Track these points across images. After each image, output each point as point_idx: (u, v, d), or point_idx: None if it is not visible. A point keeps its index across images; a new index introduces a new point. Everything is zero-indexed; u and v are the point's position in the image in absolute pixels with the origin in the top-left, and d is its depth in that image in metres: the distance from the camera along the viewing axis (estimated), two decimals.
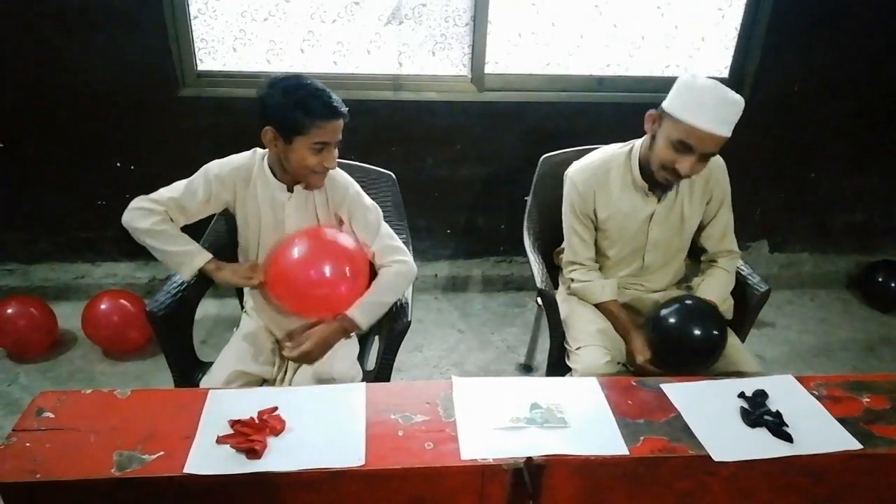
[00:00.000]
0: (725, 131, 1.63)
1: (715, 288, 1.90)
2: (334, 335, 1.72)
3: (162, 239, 1.70)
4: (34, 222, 2.90)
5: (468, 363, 2.69)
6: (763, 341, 2.90)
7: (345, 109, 1.61)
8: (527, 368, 2.67)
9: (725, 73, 3.00)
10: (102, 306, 2.56)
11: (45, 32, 2.52)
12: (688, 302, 1.76)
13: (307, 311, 1.74)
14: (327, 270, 1.68)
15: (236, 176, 1.74)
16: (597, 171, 1.87)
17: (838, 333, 3.02)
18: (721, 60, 2.98)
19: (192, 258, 1.71)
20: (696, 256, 2.14)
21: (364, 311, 1.73)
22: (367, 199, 1.81)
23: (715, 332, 1.69)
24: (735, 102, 1.62)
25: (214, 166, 1.74)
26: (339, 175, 1.79)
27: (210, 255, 1.73)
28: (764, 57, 2.90)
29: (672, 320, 1.70)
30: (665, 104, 1.70)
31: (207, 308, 2.82)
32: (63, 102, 2.65)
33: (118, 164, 2.79)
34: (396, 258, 1.79)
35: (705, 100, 1.61)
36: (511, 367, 2.69)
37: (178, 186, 1.74)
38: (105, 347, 2.62)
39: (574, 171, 1.91)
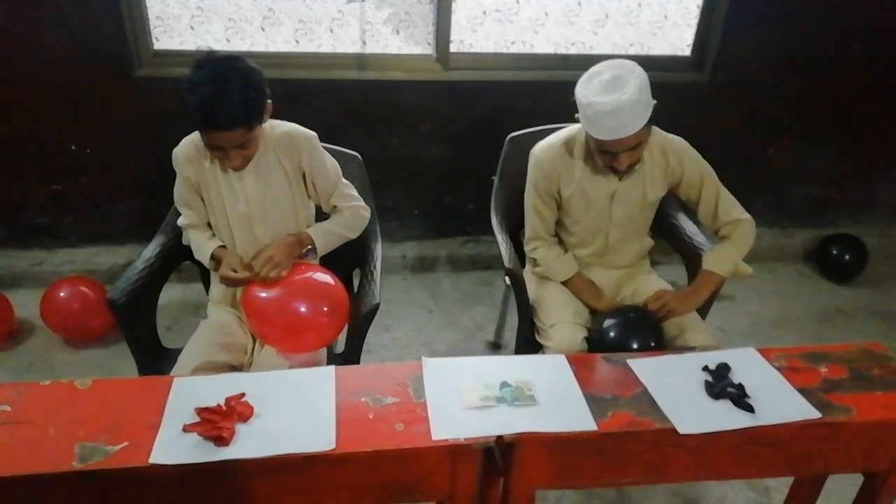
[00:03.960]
0: (629, 131, 1.65)
1: (710, 257, 1.89)
2: (288, 246, 1.72)
3: (187, 236, 1.84)
4: None
5: (438, 342, 2.70)
6: (724, 314, 2.96)
7: (229, 124, 1.52)
8: (496, 346, 2.68)
9: (688, 52, 3.03)
10: (61, 294, 2.49)
11: None
12: (630, 315, 1.79)
13: (279, 341, 1.70)
14: (304, 308, 1.65)
15: (194, 147, 1.73)
16: (561, 149, 1.88)
17: (796, 305, 3.10)
18: (684, 38, 3.01)
19: (206, 247, 1.78)
20: (667, 237, 2.17)
21: (321, 231, 1.78)
22: (326, 152, 1.82)
23: (652, 344, 1.73)
24: (618, 108, 1.60)
25: (177, 147, 1.76)
26: (296, 131, 1.76)
27: (218, 242, 1.79)
28: (725, 35, 2.93)
29: (612, 334, 1.74)
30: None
31: (172, 294, 2.77)
32: (14, 84, 2.55)
33: (74, 148, 2.70)
34: (356, 203, 1.86)
35: (590, 114, 1.65)
36: (480, 345, 2.71)
37: None
38: (65, 336, 2.56)
39: (539, 149, 1.92)
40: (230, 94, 1.49)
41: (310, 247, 1.75)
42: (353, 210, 1.84)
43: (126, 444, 1.27)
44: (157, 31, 2.60)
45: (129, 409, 1.35)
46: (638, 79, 1.64)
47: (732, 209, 1.89)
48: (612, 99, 1.60)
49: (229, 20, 2.62)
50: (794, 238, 3.49)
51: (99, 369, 2.44)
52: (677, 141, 1.90)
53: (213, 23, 2.61)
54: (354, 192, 1.87)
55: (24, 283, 2.81)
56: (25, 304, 2.64)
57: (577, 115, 1.75)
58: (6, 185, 2.75)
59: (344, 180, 1.85)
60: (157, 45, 2.63)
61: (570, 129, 1.92)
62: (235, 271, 1.68)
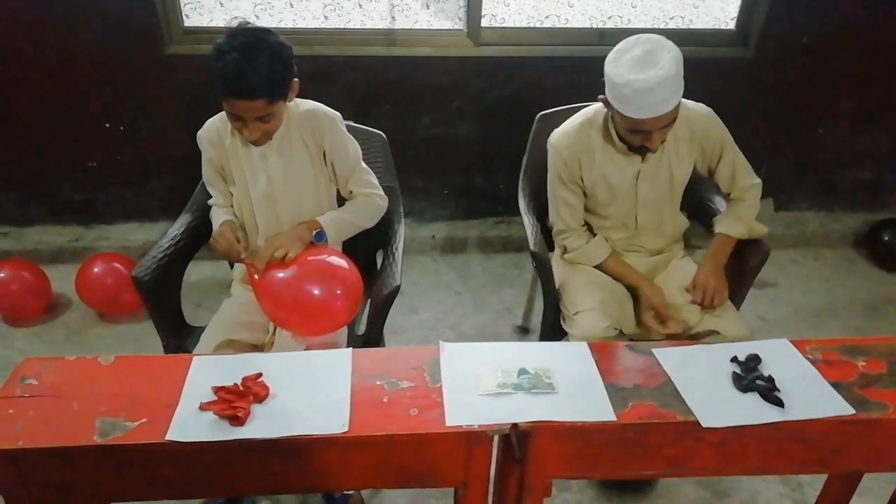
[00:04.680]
0: (664, 109, 1.58)
1: (724, 220, 1.88)
2: (298, 232, 1.68)
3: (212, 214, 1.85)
4: (27, 185, 2.87)
5: (465, 325, 2.68)
6: (765, 302, 2.86)
7: (251, 94, 1.51)
8: (524, 330, 2.65)
9: (732, 25, 2.89)
10: (95, 269, 2.55)
11: None
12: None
13: (294, 324, 1.68)
14: (317, 291, 1.62)
15: (218, 128, 1.73)
16: (579, 134, 1.82)
17: (842, 293, 2.97)
18: (727, 11, 2.87)
19: (217, 223, 1.78)
20: (702, 220, 2.09)
21: (331, 219, 1.74)
22: (348, 134, 1.79)
23: None
24: (656, 84, 1.54)
25: (201, 129, 1.76)
26: (320, 110, 1.75)
27: (229, 217, 1.79)
28: (772, 7, 2.78)
29: None
30: (605, 92, 1.66)
31: (203, 271, 2.80)
32: (49, 63, 2.59)
33: (107, 126, 2.74)
34: (374, 191, 1.82)
35: (625, 93, 1.57)
36: (508, 328, 2.67)
37: None
38: (100, 310, 2.62)
39: (556, 137, 1.86)
40: (256, 63, 1.49)
41: (319, 230, 1.71)
42: (368, 198, 1.80)
43: (144, 420, 1.28)
44: (187, 7, 2.61)
45: (149, 386, 1.37)
46: (671, 53, 1.57)
47: (747, 174, 1.88)
48: (649, 76, 1.54)
49: None
50: (843, 223, 3.34)
51: (132, 343, 2.50)
52: (701, 109, 1.83)
53: None
54: (373, 180, 1.84)
55: (62, 258, 2.89)
56: (63, 278, 2.70)
57: (600, 97, 1.69)
58: (45, 162, 2.81)
59: (364, 166, 1.82)
60: (188, 23, 2.63)
61: (585, 113, 1.86)
62: (240, 242, 1.68)
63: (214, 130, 1.74)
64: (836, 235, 3.31)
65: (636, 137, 1.69)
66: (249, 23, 1.58)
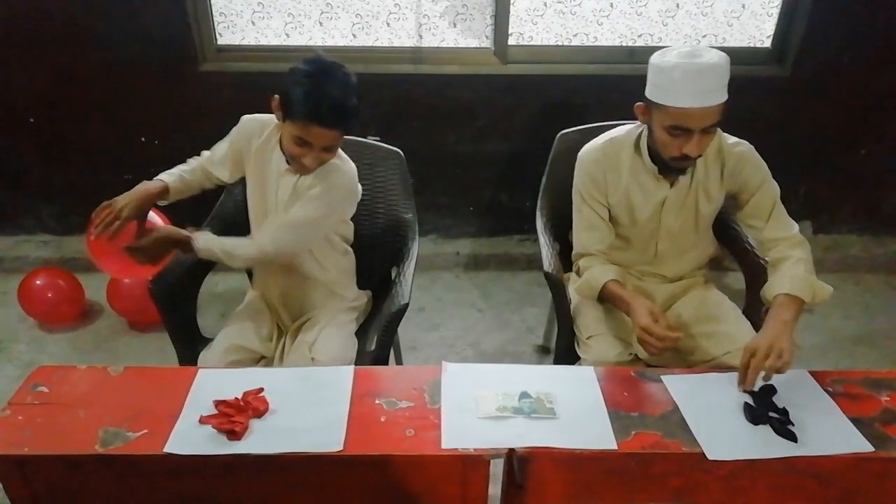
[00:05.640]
0: (714, 100, 1.52)
1: (777, 282, 1.59)
2: (172, 235, 1.69)
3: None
4: (66, 195, 2.98)
5: (485, 343, 2.65)
6: (799, 328, 2.71)
7: (333, 123, 1.52)
8: (544, 350, 2.60)
9: (767, 44, 2.82)
10: (126, 279, 2.61)
11: (71, 10, 2.55)
12: None
13: None
14: None
15: (256, 126, 1.76)
16: (606, 150, 1.78)
17: (883, 321, 2.83)
18: (763, 29, 2.80)
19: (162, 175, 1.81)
20: (728, 245, 2.01)
21: (210, 243, 1.66)
22: (331, 196, 1.69)
23: None
24: (708, 68, 1.50)
25: (248, 116, 1.79)
26: (350, 175, 1.73)
27: (171, 178, 1.81)
28: (810, 25, 2.69)
29: None
30: (647, 92, 1.60)
31: (229, 282, 2.84)
32: (90, 78, 2.69)
33: (143, 140, 2.83)
34: (270, 237, 1.68)
35: (676, 78, 1.51)
36: (529, 348, 2.63)
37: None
38: (129, 319, 2.68)
39: (585, 153, 1.81)
40: (338, 93, 1.50)
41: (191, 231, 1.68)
42: (254, 241, 1.69)
43: (146, 431, 1.30)
44: (220, 27, 2.68)
45: (154, 398, 1.39)
46: (719, 53, 1.55)
47: (790, 223, 1.69)
48: (700, 61, 1.51)
49: (288, 15, 2.66)
50: (888, 247, 3.19)
51: (158, 352, 2.54)
52: (742, 144, 1.73)
53: (273, 18, 2.66)
54: (285, 233, 1.68)
55: (97, 267, 2.96)
56: (97, 287, 2.78)
57: (637, 106, 1.63)
58: (84, 174, 2.91)
59: (300, 219, 1.67)
60: (221, 41, 2.70)
61: (616, 131, 1.80)
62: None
63: (253, 127, 1.76)
64: (879, 260, 3.16)
65: (677, 142, 1.58)
66: (322, 53, 1.57)
